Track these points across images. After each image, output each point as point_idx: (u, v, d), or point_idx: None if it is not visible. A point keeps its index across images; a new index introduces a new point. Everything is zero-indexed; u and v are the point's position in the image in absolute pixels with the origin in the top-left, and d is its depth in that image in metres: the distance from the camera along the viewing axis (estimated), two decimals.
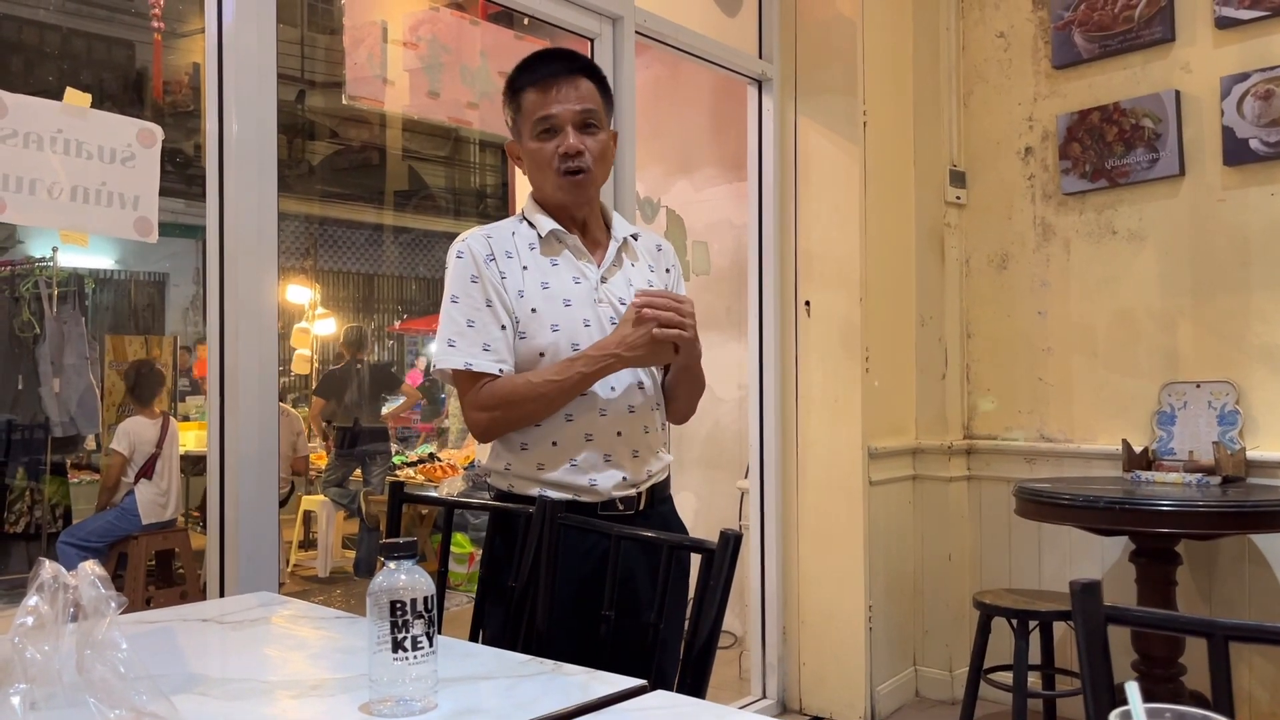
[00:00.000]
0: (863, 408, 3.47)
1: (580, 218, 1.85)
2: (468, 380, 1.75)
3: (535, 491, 1.74)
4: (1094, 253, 3.48)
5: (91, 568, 0.95)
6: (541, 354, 1.75)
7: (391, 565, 1.10)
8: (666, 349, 1.74)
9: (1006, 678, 2.90)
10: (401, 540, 1.12)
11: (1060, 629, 3.20)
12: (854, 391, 3.48)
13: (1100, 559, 3.37)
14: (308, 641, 1.48)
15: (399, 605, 1.08)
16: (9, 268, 5.53)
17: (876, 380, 3.52)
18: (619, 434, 1.78)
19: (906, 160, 3.73)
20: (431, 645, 1.10)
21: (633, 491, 1.80)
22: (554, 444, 1.76)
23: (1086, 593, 1.01)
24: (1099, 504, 2.71)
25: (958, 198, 3.76)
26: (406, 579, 1.09)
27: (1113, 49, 3.42)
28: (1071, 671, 3.08)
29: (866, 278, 3.50)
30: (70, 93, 1.88)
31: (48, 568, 0.92)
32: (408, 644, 1.08)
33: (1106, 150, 3.42)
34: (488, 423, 1.77)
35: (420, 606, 1.09)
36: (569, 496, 1.74)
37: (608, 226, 1.90)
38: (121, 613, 0.97)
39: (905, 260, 3.71)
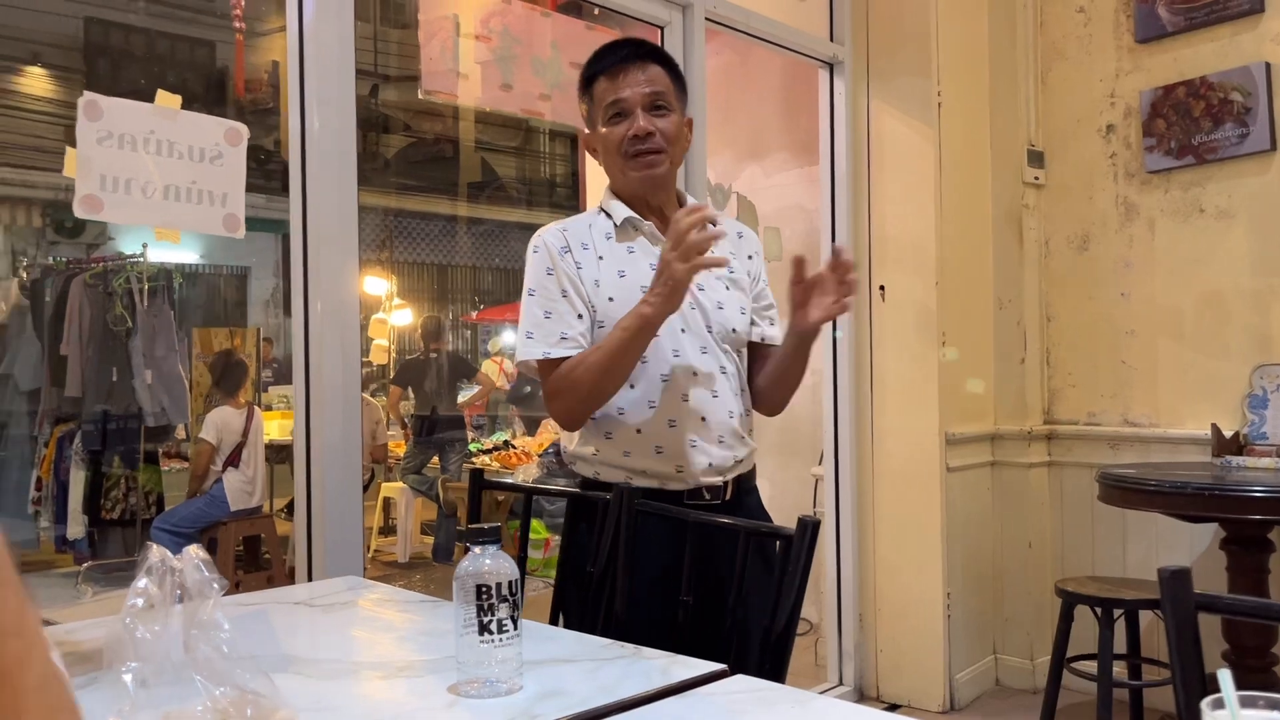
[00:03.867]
0: (939, 393, 3.43)
1: (655, 204, 1.86)
2: (546, 370, 1.77)
3: (621, 479, 1.75)
4: (1180, 232, 3.38)
5: (195, 552, 0.99)
6: None
7: (476, 550, 1.13)
8: (679, 294, 1.65)
9: (1090, 667, 2.85)
10: (486, 526, 1.15)
11: (1147, 618, 3.12)
12: (930, 377, 3.44)
13: (1189, 547, 3.28)
14: (394, 624, 1.52)
15: (484, 589, 1.11)
16: (102, 264, 5.74)
17: (953, 360, 3.47)
18: (703, 420, 1.78)
19: (983, 141, 3.66)
20: (516, 628, 1.13)
21: (718, 480, 1.79)
22: (638, 431, 1.76)
23: (1176, 579, 0.99)
24: (1187, 490, 2.64)
25: (1036, 178, 3.68)
26: (491, 563, 1.12)
27: (1199, 21, 3.31)
28: (1159, 661, 3.02)
29: (942, 261, 3.45)
30: (161, 94, 1.95)
31: (155, 552, 0.97)
32: (493, 627, 1.11)
33: (1193, 126, 3.31)
34: (564, 408, 1.77)
35: (505, 590, 1.11)
36: (655, 484, 1.75)
37: None
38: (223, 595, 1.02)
39: (982, 243, 3.64)
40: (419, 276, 13.48)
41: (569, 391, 1.74)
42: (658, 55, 1.84)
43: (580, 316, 1.76)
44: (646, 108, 1.78)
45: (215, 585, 0.97)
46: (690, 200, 1.90)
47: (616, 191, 1.86)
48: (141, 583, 0.94)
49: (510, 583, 1.12)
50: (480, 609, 1.10)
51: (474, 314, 13.79)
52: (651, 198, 1.84)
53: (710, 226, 1.62)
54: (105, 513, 5.46)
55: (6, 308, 5.94)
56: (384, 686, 1.19)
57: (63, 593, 5.30)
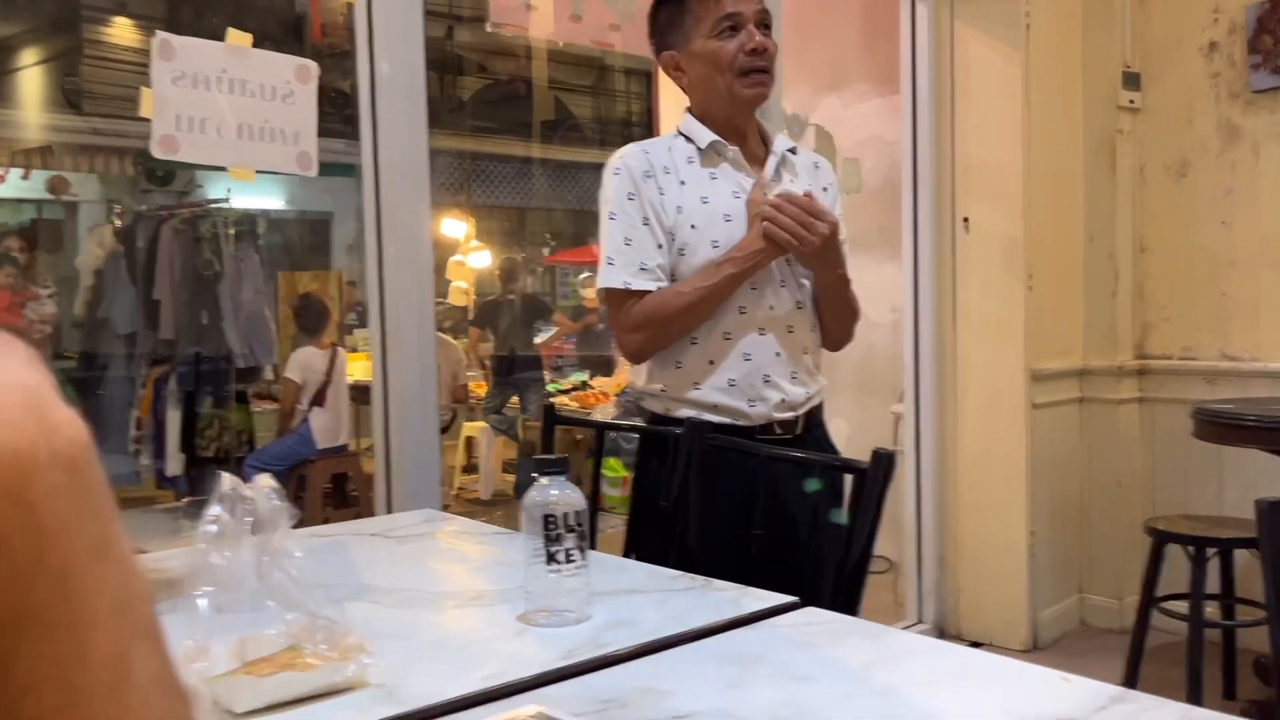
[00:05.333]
0: (1025, 328, 3.32)
1: (740, 127, 1.80)
2: (620, 299, 1.74)
3: (692, 414, 1.72)
4: None
5: (266, 480, 1.00)
6: None
7: (544, 481, 1.12)
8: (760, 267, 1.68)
9: (1179, 607, 2.77)
10: (553, 456, 1.15)
11: (1242, 558, 3.01)
12: (1016, 311, 3.33)
13: None
14: (469, 555, 1.54)
15: (551, 519, 1.10)
16: (190, 210, 5.89)
17: (1039, 298, 3.35)
18: (778, 354, 1.75)
19: (1074, 63, 3.49)
20: (584, 558, 1.12)
21: (790, 415, 1.77)
22: (711, 363, 1.73)
23: (1275, 511, 0.94)
24: None
25: (1131, 101, 3.50)
26: (558, 493, 1.12)
27: None
28: (1253, 602, 2.91)
29: (1030, 191, 3.31)
30: (232, 33, 1.95)
31: (226, 480, 0.98)
32: (561, 557, 1.11)
33: None
34: (640, 343, 1.75)
35: (572, 520, 1.11)
36: (726, 420, 1.73)
37: (765, 142, 1.84)
38: (295, 526, 1.03)
39: (1072, 171, 3.49)
40: (496, 219, 13.54)
41: (651, 325, 1.72)
42: None
43: (660, 247, 1.72)
44: (758, 24, 1.72)
45: (285, 514, 0.99)
46: (771, 129, 1.85)
47: (701, 115, 1.80)
48: (215, 510, 0.96)
49: (577, 513, 1.12)
50: (548, 539, 1.10)
51: (546, 258, 13.82)
52: (741, 120, 1.79)
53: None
54: (201, 451, 5.66)
55: (102, 254, 6.13)
56: (455, 615, 1.21)
57: (164, 527, 5.54)
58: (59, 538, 0.34)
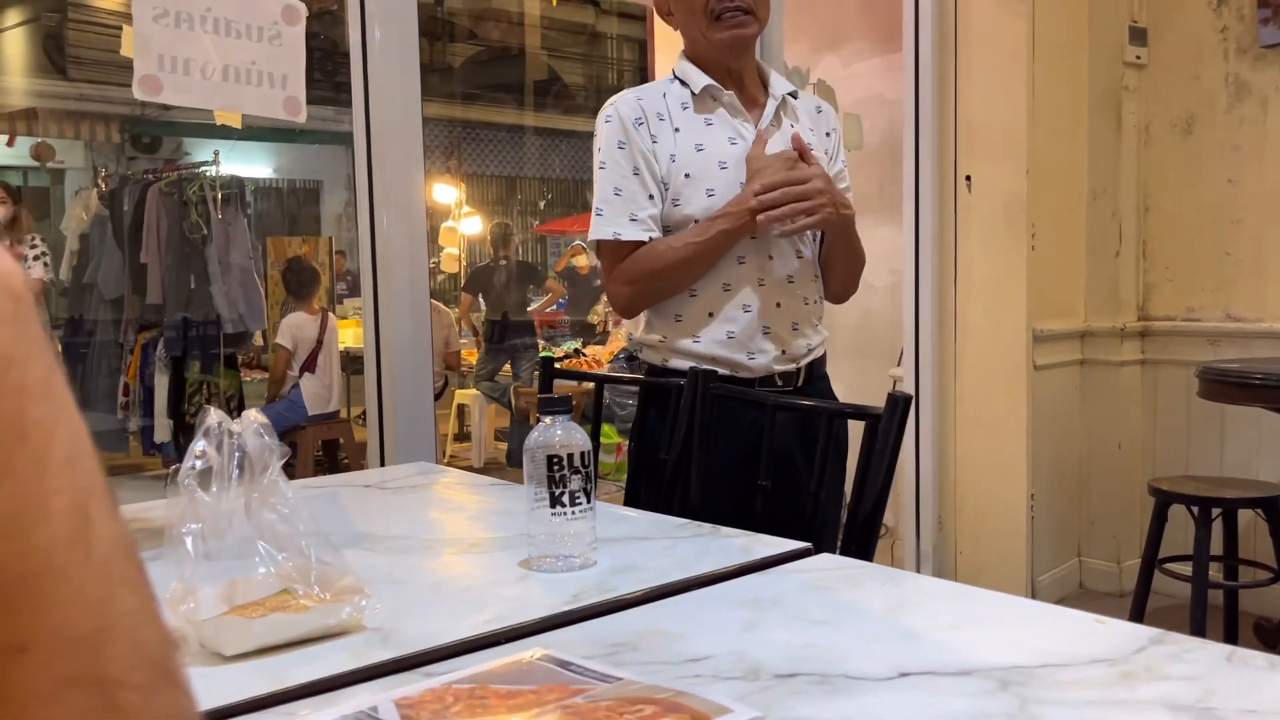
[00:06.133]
0: (1027, 289, 3.27)
1: (736, 69, 1.74)
2: (612, 251, 1.70)
3: (689, 365, 1.68)
4: None
5: (254, 416, 0.94)
6: (696, 221, 1.67)
7: (547, 420, 1.07)
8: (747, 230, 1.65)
9: (1181, 569, 2.74)
10: (556, 396, 1.09)
11: (1246, 518, 2.98)
12: (1018, 271, 3.28)
13: None
14: (466, 505, 1.49)
15: (555, 460, 1.05)
16: (177, 173, 5.78)
17: (1041, 256, 3.30)
18: (778, 305, 1.70)
19: (1080, 18, 3.42)
20: (589, 501, 1.07)
21: (792, 366, 1.73)
22: (710, 314, 1.69)
23: None
24: None
25: (1137, 57, 3.44)
26: (563, 433, 1.06)
27: None
28: (1257, 563, 2.89)
29: (1033, 149, 3.25)
30: None
31: (213, 415, 0.92)
32: (565, 499, 1.06)
33: None
34: (630, 296, 1.72)
35: (577, 461, 1.06)
36: (726, 371, 1.68)
37: (764, 85, 1.78)
38: (285, 464, 0.98)
39: (1076, 129, 3.43)
40: (487, 186, 13.44)
41: (643, 279, 1.69)
42: None
43: (651, 197, 1.68)
44: None
45: (275, 452, 0.93)
46: (773, 78, 1.78)
47: (693, 58, 1.75)
48: (200, 445, 0.90)
49: (583, 454, 1.06)
50: (551, 480, 1.05)
51: (537, 225, 13.73)
52: (733, 63, 1.73)
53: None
54: (189, 417, 5.58)
55: (88, 218, 6.03)
56: (455, 561, 1.16)
57: (151, 495, 5.46)
58: (9, 366, 0.30)
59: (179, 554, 0.89)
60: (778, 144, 1.71)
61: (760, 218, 1.59)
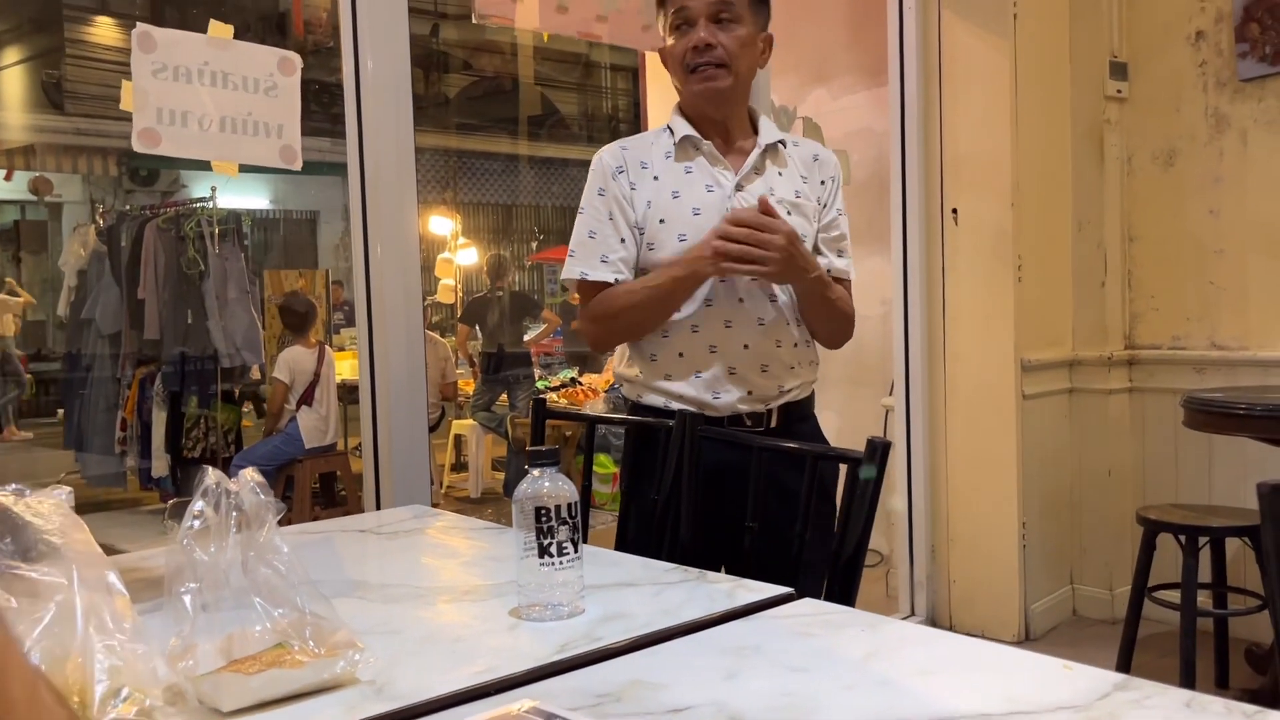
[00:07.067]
0: (1015, 319, 3.31)
1: (720, 119, 1.79)
2: (584, 291, 1.79)
3: (661, 403, 1.76)
4: (1276, 143, 3.19)
5: (251, 475, 0.98)
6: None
7: (535, 473, 1.11)
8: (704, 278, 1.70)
9: (1171, 596, 2.77)
10: (545, 449, 1.13)
11: (1233, 546, 3.02)
12: (1006, 302, 3.32)
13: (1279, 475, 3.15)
14: (459, 550, 1.52)
15: (544, 512, 1.09)
16: (174, 209, 5.83)
17: (1029, 288, 3.35)
18: (745, 347, 1.75)
19: (1062, 53, 3.48)
20: (577, 551, 1.10)
21: (761, 407, 1.77)
22: (680, 355, 1.76)
23: (1277, 494, 0.92)
24: None
25: (1119, 91, 3.50)
26: (550, 485, 1.10)
27: None
28: (1245, 590, 2.91)
29: (1018, 181, 3.31)
30: (214, 25, 1.92)
31: (211, 475, 0.96)
32: (553, 550, 1.09)
33: None
34: (595, 334, 1.83)
35: (564, 513, 1.09)
36: (694, 410, 1.72)
37: (756, 132, 1.83)
38: (283, 522, 1.01)
39: (1060, 161, 3.49)
40: (483, 215, 13.51)
41: (604, 320, 1.78)
42: None
43: (624, 241, 1.77)
44: (711, 18, 1.72)
45: (272, 508, 0.97)
46: (764, 122, 1.82)
47: (682, 107, 1.82)
48: (198, 505, 0.94)
49: (570, 505, 1.10)
50: (540, 531, 1.08)
51: (531, 256, 13.79)
52: (714, 113, 1.78)
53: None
54: (187, 451, 5.61)
55: (86, 254, 6.07)
56: (446, 610, 1.19)
57: (149, 530, 5.49)
58: None
59: (177, 610, 0.92)
60: (759, 190, 1.76)
61: (724, 265, 1.64)
